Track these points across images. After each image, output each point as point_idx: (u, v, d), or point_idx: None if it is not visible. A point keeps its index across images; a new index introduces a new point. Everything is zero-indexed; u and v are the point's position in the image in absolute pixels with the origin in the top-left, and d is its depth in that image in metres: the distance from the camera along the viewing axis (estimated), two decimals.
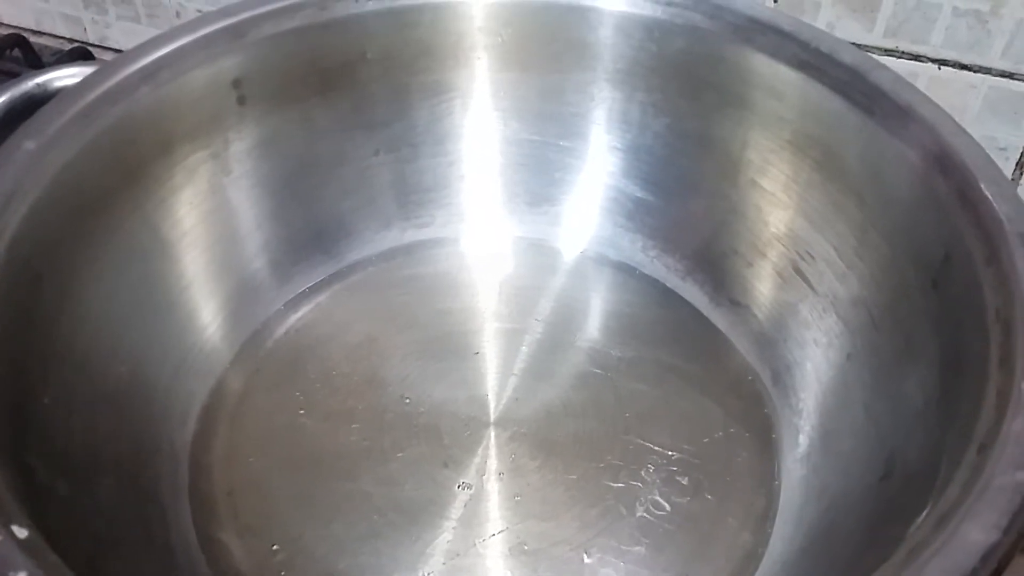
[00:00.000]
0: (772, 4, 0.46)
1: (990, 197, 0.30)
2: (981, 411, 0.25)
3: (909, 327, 0.33)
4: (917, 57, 0.45)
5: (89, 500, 0.31)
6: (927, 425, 0.30)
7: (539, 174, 0.46)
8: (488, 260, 0.47)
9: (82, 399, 0.33)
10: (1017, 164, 0.46)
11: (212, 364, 0.41)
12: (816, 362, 0.38)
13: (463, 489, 0.37)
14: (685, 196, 0.44)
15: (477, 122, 0.46)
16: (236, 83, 0.40)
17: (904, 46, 0.45)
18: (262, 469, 0.38)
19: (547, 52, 0.44)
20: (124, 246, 0.36)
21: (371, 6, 0.42)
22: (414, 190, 0.46)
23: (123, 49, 0.44)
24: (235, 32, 0.39)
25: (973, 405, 0.26)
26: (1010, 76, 0.44)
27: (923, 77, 0.45)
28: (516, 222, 0.47)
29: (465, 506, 0.36)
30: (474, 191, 0.47)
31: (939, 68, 0.45)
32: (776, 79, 0.39)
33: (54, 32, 0.67)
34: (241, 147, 0.41)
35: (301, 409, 0.40)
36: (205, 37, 0.39)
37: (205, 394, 0.40)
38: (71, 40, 0.66)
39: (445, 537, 0.35)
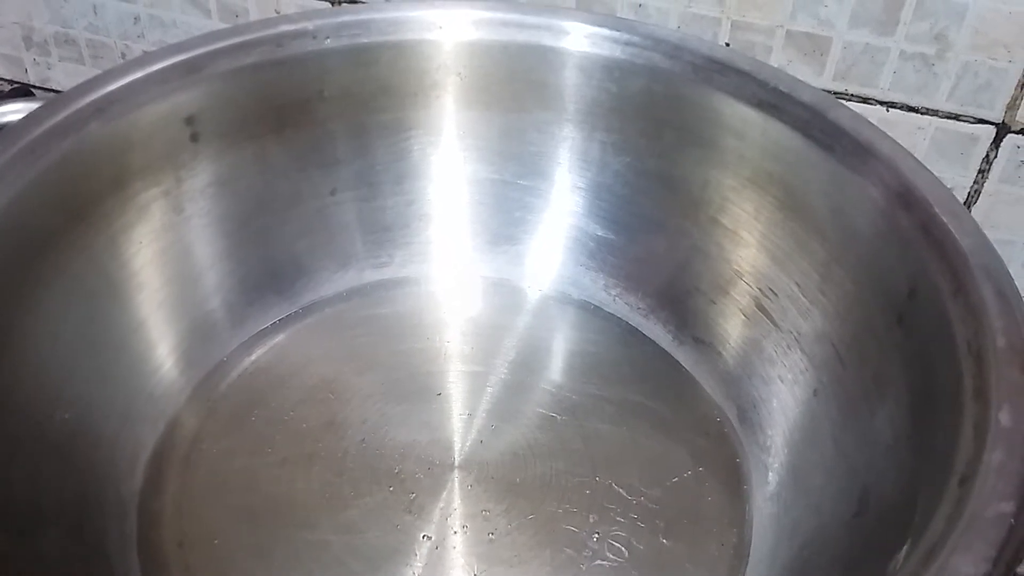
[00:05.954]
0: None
1: (953, 231, 0.30)
2: (959, 443, 0.25)
3: (876, 362, 0.33)
4: (866, 100, 0.46)
5: (31, 554, 0.29)
6: (900, 460, 0.30)
7: (500, 213, 0.46)
8: (450, 300, 0.46)
9: (23, 446, 0.31)
10: (964, 203, 0.47)
11: (163, 408, 0.39)
12: (782, 399, 0.38)
13: (427, 536, 0.35)
14: (647, 235, 0.44)
15: (437, 161, 0.45)
16: (190, 120, 0.39)
17: (853, 89, 0.46)
18: (215, 518, 0.36)
19: (507, 91, 0.44)
20: (71, 286, 0.35)
21: (329, 44, 0.41)
22: (373, 229, 0.46)
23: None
24: (189, 68, 0.39)
25: (949, 438, 0.26)
26: (956, 118, 0.45)
27: (872, 119, 0.46)
28: (478, 261, 0.47)
29: (430, 554, 0.35)
30: (435, 230, 0.47)
31: (887, 110, 0.46)
32: (736, 118, 0.39)
33: None
34: (194, 185, 0.40)
35: (256, 454, 0.38)
36: (158, 72, 0.38)
37: (155, 440, 0.38)
38: (11, 82, 0.64)
39: None
